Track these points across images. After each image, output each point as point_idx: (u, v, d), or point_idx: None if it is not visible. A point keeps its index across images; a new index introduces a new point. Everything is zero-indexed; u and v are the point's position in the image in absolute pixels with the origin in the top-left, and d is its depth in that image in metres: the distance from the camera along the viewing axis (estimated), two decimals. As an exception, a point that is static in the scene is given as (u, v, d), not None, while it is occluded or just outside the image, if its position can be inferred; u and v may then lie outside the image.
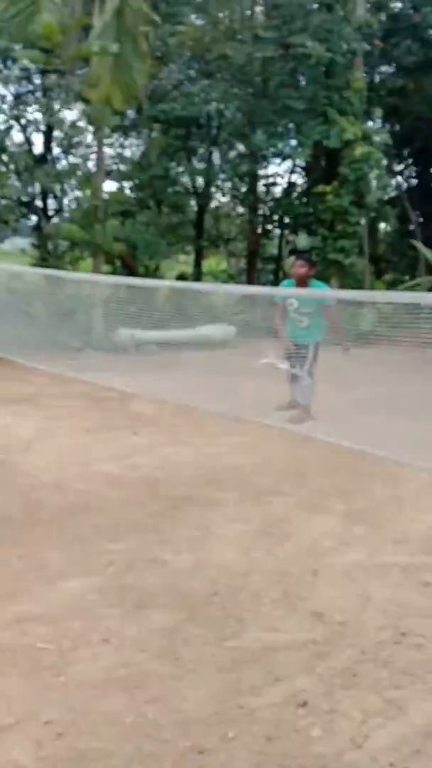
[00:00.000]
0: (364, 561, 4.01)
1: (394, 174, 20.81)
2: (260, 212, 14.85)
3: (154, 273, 16.31)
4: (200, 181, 17.42)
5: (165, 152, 15.96)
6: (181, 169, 14.75)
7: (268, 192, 15.33)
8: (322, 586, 3.69)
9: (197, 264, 20.22)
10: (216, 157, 16.54)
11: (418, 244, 13.61)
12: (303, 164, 16.26)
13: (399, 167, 21.46)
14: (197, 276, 19.97)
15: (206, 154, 16.69)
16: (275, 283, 18.90)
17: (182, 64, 15.39)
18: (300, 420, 6.19)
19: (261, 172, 15.51)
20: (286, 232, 16.73)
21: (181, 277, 23.29)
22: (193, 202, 18.72)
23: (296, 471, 5.69)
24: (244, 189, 15.93)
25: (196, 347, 10.56)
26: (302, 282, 6.47)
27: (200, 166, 16.72)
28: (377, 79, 17.87)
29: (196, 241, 18.72)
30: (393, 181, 21.53)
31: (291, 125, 13.19)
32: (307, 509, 4.84)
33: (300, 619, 3.36)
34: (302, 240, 15.01)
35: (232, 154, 16.42)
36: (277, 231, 16.95)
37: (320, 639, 3.18)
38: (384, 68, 17.61)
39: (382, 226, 22.79)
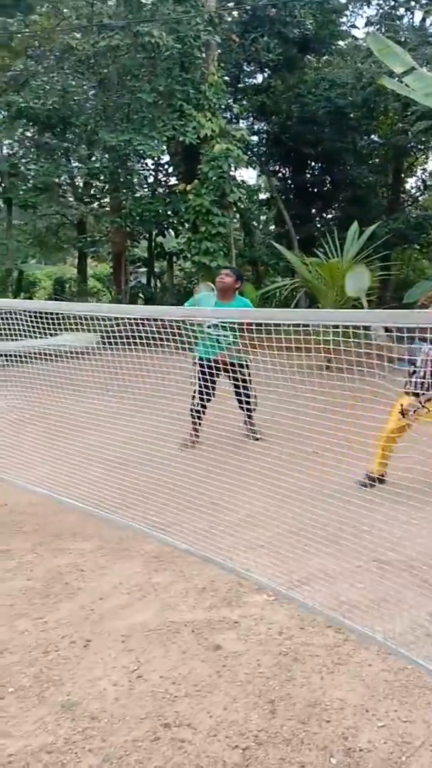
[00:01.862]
0: (152, 621, 3.43)
1: (268, 174, 20.65)
2: (123, 212, 14.11)
3: (4, 278, 15.21)
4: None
5: (30, 148, 14.97)
6: (32, 166, 13.69)
7: (130, 191, 14.60)
8: (89, 663, 3.07)
9: (80, 268, 19.26)
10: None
11: (280, 247, 13.27)
12: (166, 162, 15.73)
13: (273, 167, 21.32)
14: (84, 279, 19.04)
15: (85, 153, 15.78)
16: (147, 285, 18.30)
17: (40, 55, 14.49)
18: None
19: (124, 170, 14.69)
20: (154, 233, 16.13)
21: (59, 281, 22.37)
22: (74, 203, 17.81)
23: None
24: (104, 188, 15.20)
25: (51, 358, 9.78)
26: (225, 293, 6.31)
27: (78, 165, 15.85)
28: (242, 76, 17.57)
29: (78, 244, 17.80)
30: (266, 182, 21.43)
31: (145, 120, 12.53)
32: (111, 554, 4.22)
33: (45, 714, 2.73)
34: (170, 241, 14.44)
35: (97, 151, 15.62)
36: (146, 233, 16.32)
37: (60, 743, 2.56)
38: (248, 66, 17.27)
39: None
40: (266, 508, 4.48)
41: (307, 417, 3.84)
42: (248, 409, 6.16)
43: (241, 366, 5.79)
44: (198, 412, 6.04)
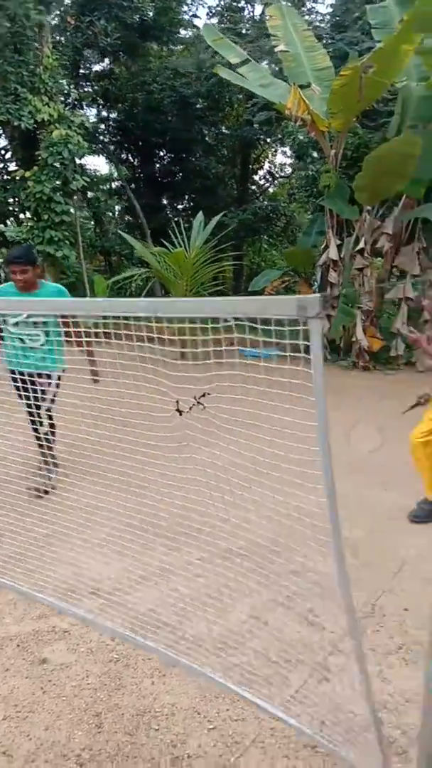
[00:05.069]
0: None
1: (117, 163, 20.28)
2: None
3: None
4: None
5: None
6: None
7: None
8: None
9: None
10: None
11: (128, 237, 13.03)
12: (2, 147, 14.94)
13: (122, 156, 20.96)
14: None
15: None
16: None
17: None
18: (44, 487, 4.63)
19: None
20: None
21: None
22: None
23: None
24: None
25: None
26: (29, 287, 4.88)
27: None
28: (82, 61, 17.09)
29: None
30: (114, 171, 21.04)
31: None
32: None
33: None
34: (11, 230, 13.72)
35: None
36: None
37: None
38: (88, 51, 16.79)
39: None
40: (103, 502, 4.26)
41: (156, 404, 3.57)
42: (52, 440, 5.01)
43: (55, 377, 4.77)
44: (37, 437, 4.75)
